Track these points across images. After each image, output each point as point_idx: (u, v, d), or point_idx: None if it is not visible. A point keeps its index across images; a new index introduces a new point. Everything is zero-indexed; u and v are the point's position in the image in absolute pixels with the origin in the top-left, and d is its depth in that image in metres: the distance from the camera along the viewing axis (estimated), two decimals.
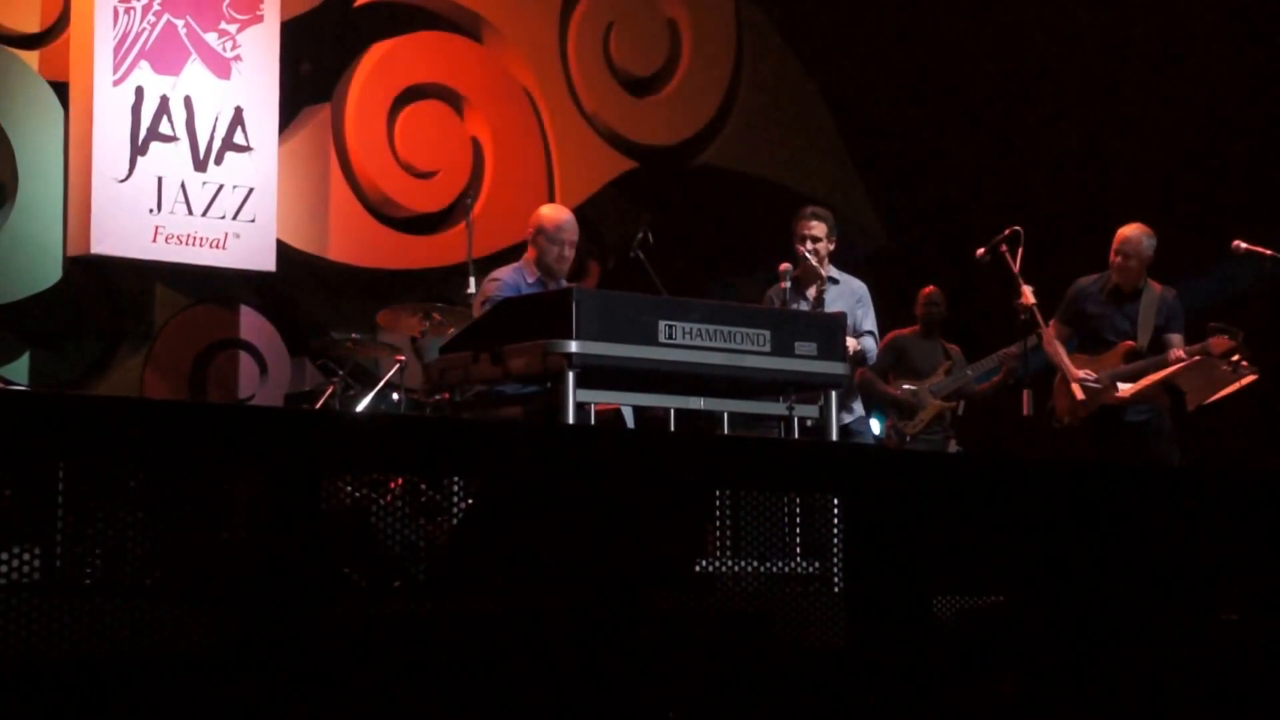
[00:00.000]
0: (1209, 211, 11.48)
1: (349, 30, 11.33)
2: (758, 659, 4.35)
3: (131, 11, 10.00)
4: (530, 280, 8.09)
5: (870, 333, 8.95)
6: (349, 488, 3.94)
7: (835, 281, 8.99)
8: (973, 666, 4.70)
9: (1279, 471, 9.03)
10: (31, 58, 10.01)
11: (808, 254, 8.86)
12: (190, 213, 10.13)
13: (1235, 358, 8.85)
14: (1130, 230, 9.26)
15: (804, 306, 8.85)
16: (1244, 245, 9.18)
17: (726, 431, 7.18)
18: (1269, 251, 9.11)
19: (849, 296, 8.97)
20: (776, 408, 7.23)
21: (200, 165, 10.22)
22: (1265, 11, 12.01)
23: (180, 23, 10.20)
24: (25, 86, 9.93)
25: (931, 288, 11.14)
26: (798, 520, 5.60)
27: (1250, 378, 8.89)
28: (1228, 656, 5.07)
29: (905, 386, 10.53)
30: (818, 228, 8.92)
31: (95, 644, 3.47)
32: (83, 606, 3.55)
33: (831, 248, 8.97)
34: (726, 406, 7.12)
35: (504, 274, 8.19)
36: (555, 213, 8.36)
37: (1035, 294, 9.16)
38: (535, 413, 7.24)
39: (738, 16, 13.25)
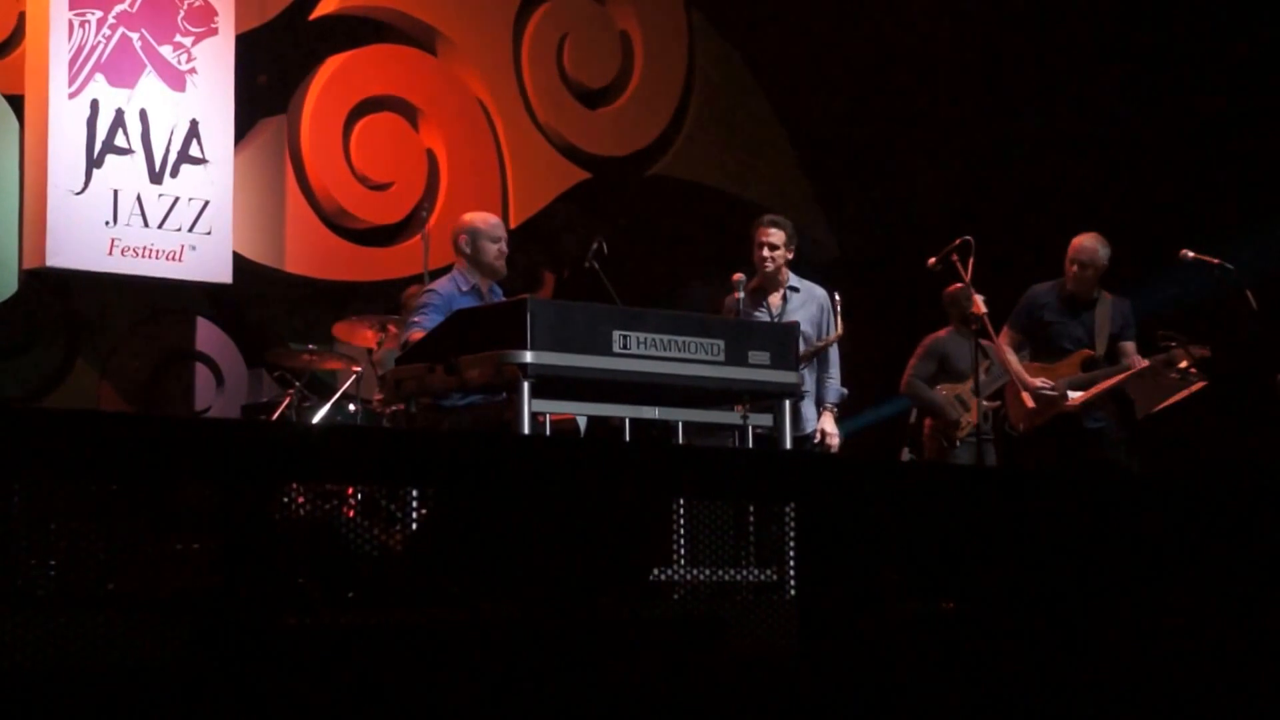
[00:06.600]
0: (1156, 220, 11.56)
1: (304, 43, 11.34)
2: (712, 665, 4.38)
3: (86, 25, 10.00)
4: (465, 289, 8.04)
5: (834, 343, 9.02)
6: (304, 498, 3.97)
7: (796, 290, 9.04)
8: (924, 672, 4.74)
9: (1226, 478, 9.10)
10: None
11: (765, 260, 8.93)
12: (146, 225, 10.12)
13: (1184, 364, 8.90)
14: (1086, 239, 9.27)
15: (765, 315, 8.90)
16: (1191, 254, 9.23)
17: (681, 441, 7.21)
18: (1216, 260, 9.18)
19: (811, 304, 9.02)
20: (731, 417, 7.26)
21: (156, 178, 10.21)
22: (1214, 20, 12.11)
23: (135, 36, 10.20)
24: None
25: (959, 285, 10.36)
26: (751, 528, 5.64)
27: (1199, 385, 8.94)
28: (1174, 661, 5.12)
29: (949, 390, 10.22)
30: (775, 235, 8.97)
31: (47, 655, 3.48)
32: (36, 617, 3.57)
33: (790, 256, 9.02)
34: (681, 416, 7.15)
35: (439, 285, 8.15)
36: (482, 213, 8.38)
37: (986, 303, 9.21)
38: (490, 423, 7.27)
39: (690, 28, 13.29)
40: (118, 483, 3.87)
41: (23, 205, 9.91)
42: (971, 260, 9.09)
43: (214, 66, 10.53)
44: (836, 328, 8.98)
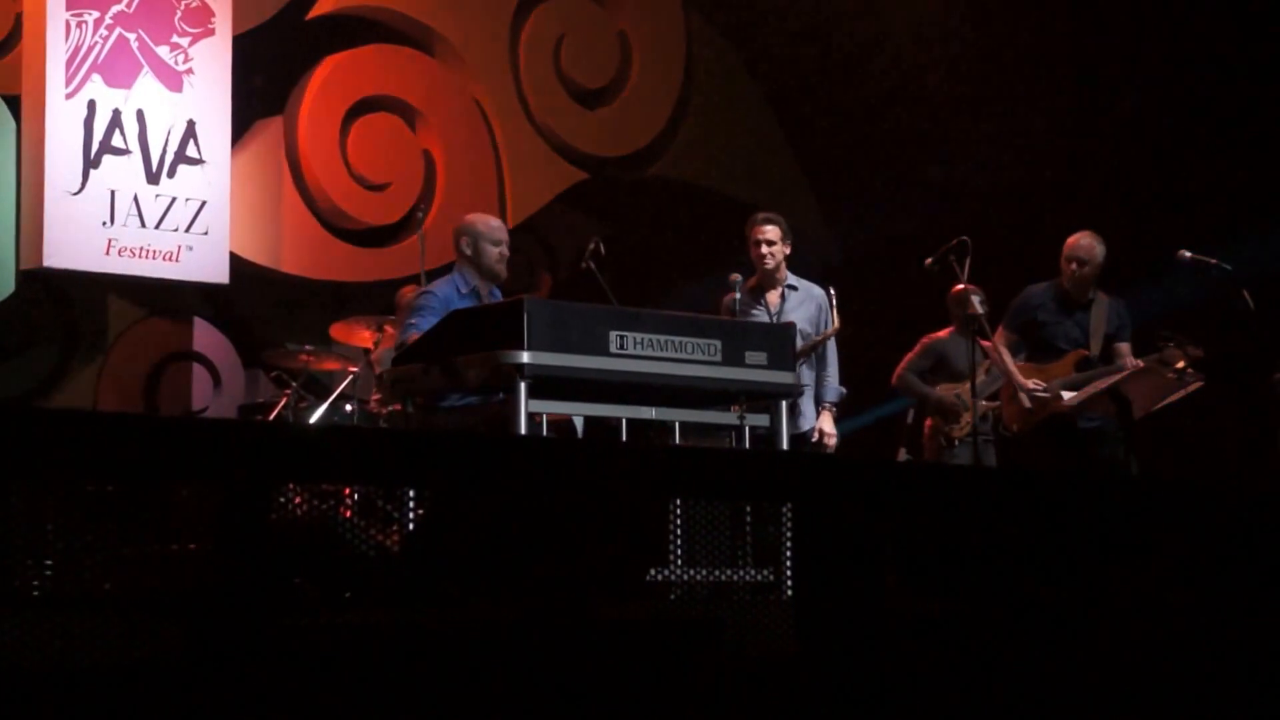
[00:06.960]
0: (1155, 221, 11.57)
1: (301, 43, 11.34)
2: (708, 666, 4.37)
3: (84, 25, 10.00)
4: (464, 291, 7.94)
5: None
6: (301, 499, 3.97)
7: (794, 288, 9.03)
8: (921, 672, 4.74)
9: (1227, 480, 9.10)
10: None
11: (765, 257, 8.91)
12: (143, 225, 10.13)
13: (1181, 364, 8.89)
14: (1082, 237, 9.26)
15: (763, 313, 8.89)
16: (1188, 254, 9.22)
17: (678, 441, 7.20)
18: (1213, 260, 9.17)
19: (810, 303, 9.01)
20: (728, 417, 7.25)
21: (153, 178, 10.22)
22: (1204, 23, 12.13)
23: (132, 36, 10.20)
24: None
25: (963, 286, 10.33)
26: (749, 528, 5.64)
27: (1196, 385, 8.92)
28: (1173, 660, 5.12)
29: (948, 389, 10.17)
30: (770, 231, 8.96)
31: (45, 655, 3.48)
32: (33, 617, 3.56)
33: (787, 252, 9.01)
34: (678, 416, 7.14)
35: (436, 287, 8.04)
36: (484, 215, 8.30)
37: (984, 303, 9.20)
38: (487, 423, 7.25)
39: (688, 28, 13.29)
40: (115, 483, 3.86)
41: (20, 205, 9.92)
42: (968, 261, 9.09)
43: (211, 67, 10.54)
44: (833, 323, 8.97)
